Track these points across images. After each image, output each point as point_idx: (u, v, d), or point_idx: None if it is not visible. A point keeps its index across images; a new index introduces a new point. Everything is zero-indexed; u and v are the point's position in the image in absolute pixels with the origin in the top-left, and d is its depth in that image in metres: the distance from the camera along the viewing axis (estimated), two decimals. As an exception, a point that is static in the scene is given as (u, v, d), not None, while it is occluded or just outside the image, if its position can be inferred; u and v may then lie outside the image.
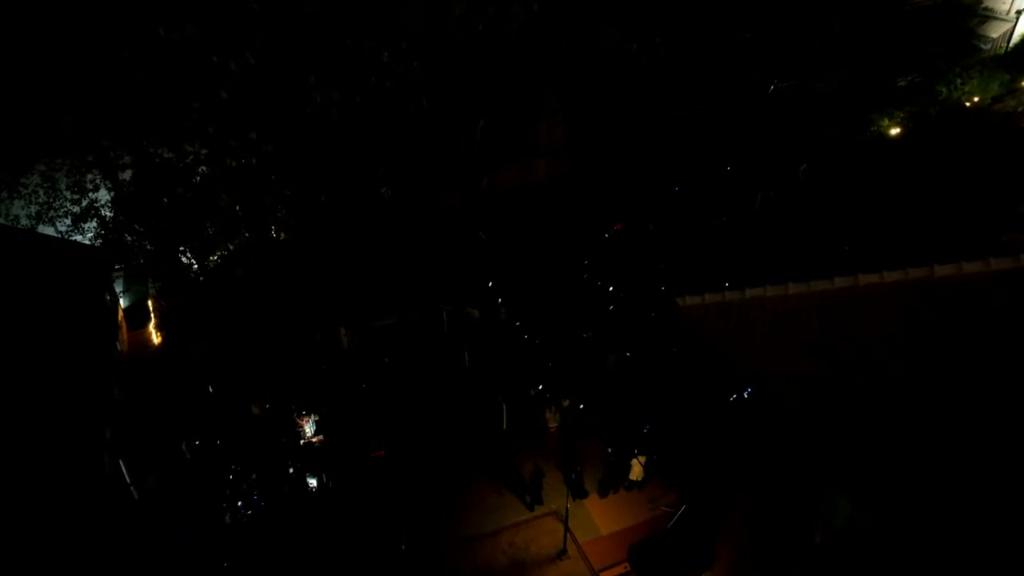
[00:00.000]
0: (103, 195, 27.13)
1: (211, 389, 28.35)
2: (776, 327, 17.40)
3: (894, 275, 17.15)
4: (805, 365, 17.07)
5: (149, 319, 32.76)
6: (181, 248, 28.26)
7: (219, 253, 30.93)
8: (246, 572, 23.13)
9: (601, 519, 24.75)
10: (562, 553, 23.58)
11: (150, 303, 32.91)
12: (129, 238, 28.78)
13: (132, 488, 25.58)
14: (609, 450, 25.13)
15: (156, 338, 32.07)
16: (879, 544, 16.48)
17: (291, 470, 25.47)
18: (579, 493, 24.79)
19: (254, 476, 25.03)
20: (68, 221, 26.41)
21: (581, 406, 27.01)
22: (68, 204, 26.23)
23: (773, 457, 18.60)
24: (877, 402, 16.40)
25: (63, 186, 25.77)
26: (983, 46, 43.24)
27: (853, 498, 16.83)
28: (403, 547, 23.52)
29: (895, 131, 38.59)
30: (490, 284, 32.23)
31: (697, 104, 37.75)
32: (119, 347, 29.80)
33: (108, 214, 27.77)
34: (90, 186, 26.21)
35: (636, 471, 24.91)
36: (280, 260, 29.96)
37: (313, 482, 25.41)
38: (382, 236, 29.07)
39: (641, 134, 36.50)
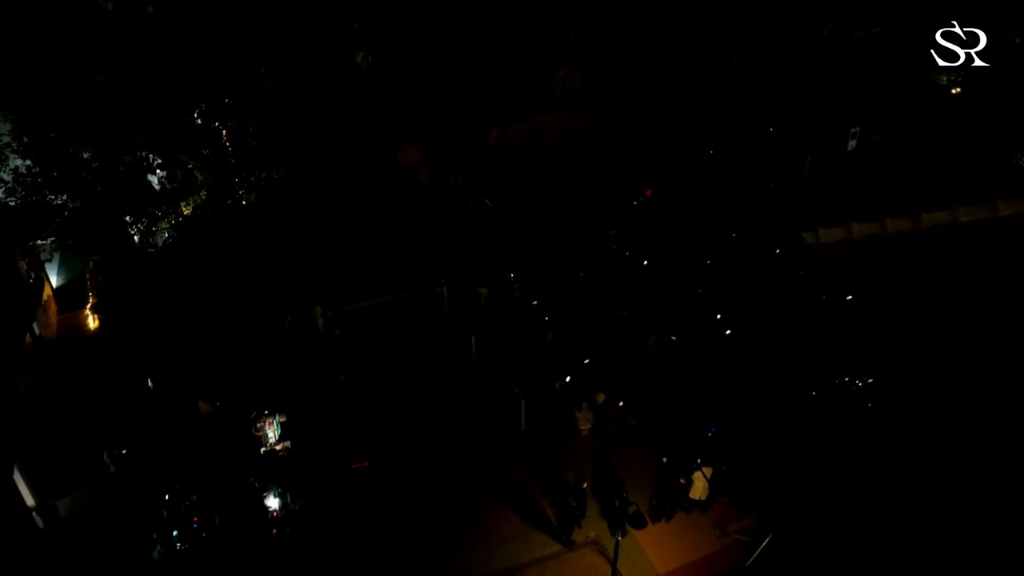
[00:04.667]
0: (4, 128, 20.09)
1: (150, 383, 21.28)
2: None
3: None
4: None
5: (86, 300, 25.76)
6: (115, 203, 21.21)
7: (170, 218, 24.15)
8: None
9: (655, 551, 17.78)
10: (606, 598, 16.71)
11: (88, 282, 25.90)
12: (52, 197, 21.98)
13: (35, 514, 18.48)
14: (664, 460, 18.17)
15: (92, 321, 25.05)
16: None
17: (246, 487, 18.35)
18: (627, 522, 17.63)
19: (195, 496, 17.89)
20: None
21: (621, 403, 20.09)
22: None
23: (923, 461, 11.67)
24: None
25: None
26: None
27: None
28: (392, 591, 16.51)
29: (955, 90, 32.99)
30: (500, 257, 25.40)
31: (734, 57, 31.20)
32: (37, 331, 22.70)
33: (20, 162, 20.89)
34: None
35: (699, 488, 17.93)
36: (243, 222, 23.04)
37: (274, 504, 18.25)
38: (366, 168, 21.75)
39: (672, 86, 29.77)
